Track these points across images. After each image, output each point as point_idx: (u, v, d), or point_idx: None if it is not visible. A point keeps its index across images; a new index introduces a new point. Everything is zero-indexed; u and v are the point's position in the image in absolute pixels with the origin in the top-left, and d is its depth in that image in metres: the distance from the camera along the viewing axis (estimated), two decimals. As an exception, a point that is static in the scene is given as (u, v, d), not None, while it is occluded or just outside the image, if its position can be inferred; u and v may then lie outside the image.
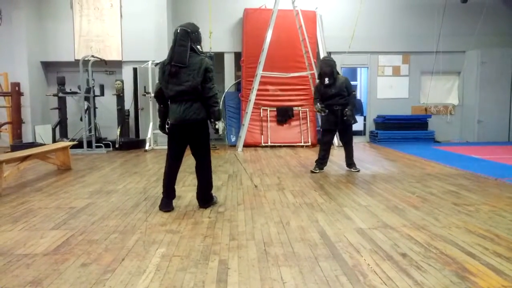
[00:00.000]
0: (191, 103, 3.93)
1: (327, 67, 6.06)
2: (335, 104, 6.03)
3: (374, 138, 11.19)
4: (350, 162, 6.39)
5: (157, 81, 4.25)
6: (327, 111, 6.07)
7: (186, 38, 3.90)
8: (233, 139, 10.38)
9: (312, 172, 6.23)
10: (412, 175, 6.03)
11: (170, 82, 3.93)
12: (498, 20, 11.18)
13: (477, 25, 10.62)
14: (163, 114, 4.18)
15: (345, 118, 5.98)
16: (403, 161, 7.47)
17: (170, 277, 2.50)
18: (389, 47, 11.30)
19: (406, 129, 11.04)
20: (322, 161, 6.30)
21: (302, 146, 9.94)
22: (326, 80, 6.02)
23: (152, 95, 9.80)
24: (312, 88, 10.27)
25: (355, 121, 6.21)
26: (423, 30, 11.10)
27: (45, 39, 10.37)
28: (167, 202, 4.14)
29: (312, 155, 8.44)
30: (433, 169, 6.56)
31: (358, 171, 6.31)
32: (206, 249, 2.97)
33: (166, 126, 4.18)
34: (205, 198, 4.25)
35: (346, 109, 5.99)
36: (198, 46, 4.00)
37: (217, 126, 4.05)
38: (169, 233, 3.36)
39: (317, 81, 6.45)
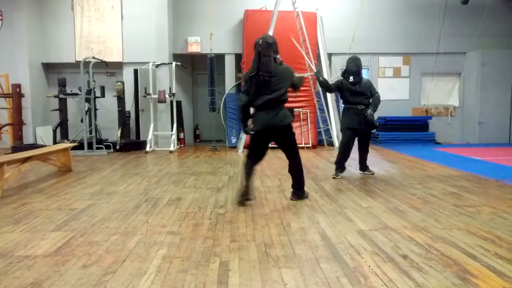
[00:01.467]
0: (277, 111, 4.24)
1: (353, 67, 5.80)
2: (359, 103, 5.79)
3: (375, 140, 11.19)
4: (364, 165, 6.25)
5: (242, 93, 4.43)
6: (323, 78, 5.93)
7: (269, 49, 4.17)
8: (233, 141, 10.39)
9: (333, 178, 5.88)
10: (412, 176, 6.03)
11: (258, 93, 4.22)
12: (498, 21, 11.19)
13: (478, 26, 10.63)
14: (246, 121, 4.44)
15: (366, 117, 5.77)
16: (404, 163, 7.47)
17: (171, 279, 2.50)
18: (389, 49, 11.32)
19: (406, 130, 11.04)
20: (341, 164, 5.97)
21: (302, 148, 9.93)
22: (351, 78, 5.77)
23: (154, 96, 9.84)
24: (312, 89, 10.30)
25: (378, 125, 6.07)
26: (424, 32, 11.12)
27: (46, 40, 10.39)
28: (245, 192, 4.37)
29: (313, 157, 8.45)
30: (434, 170, 6.56)
31: (373, 173, 6.17)
32: (207, 251, 2.97)
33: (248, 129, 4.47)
34: (298, 190, 4.53)
35: (369, 109, 5.79)
36: (278, 56, 4.27)
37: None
38: (170, 234, 3.36)
39: (339, 79, 6.07)
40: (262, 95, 4.21)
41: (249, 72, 4.29)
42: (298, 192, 4.55)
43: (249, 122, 4.42)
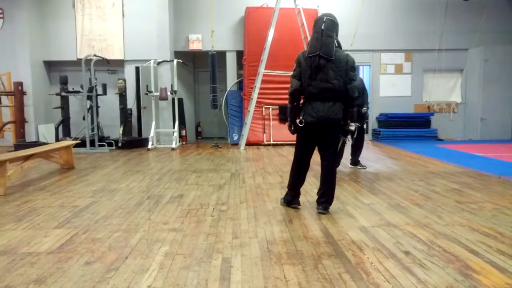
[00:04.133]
0: (334, 102, 3.72)
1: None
2: None
3: (377, 136, 11.17)
4: (355, 161, 6.40)
5: (293, 78, 3.84)
6: None
7: (333, 29, 3.70)
8: (235, 138, 10.39)
9: None
10: (415, 173, 6.02)
11: (314, 79, 3.69)
12: (500, 17, 11.15)
13: (480, 22, 10.59)
14: (296, 113, 3.88)
15: (365, 118, 6.10)
16: (406, 159, 7.46)
17: (173, 275, 2.51)
18: (391, 45, 11.28)
19: (409, 127, 11.03)
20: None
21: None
22: None
23: (156, 93, 9.83)
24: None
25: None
26: (426, 28, 11.08)
27: (47, 38, 10.39)
28: (296, 199, 4.10)
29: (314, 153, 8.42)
30: (436, 167, 6.55)
31: (365, 168, 6.31)
32: (209, 247, 2.98)
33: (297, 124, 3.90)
34: (330, 200, 3.93)
35: (364, 108, 5.99)
36: (339, 40, 3.80)
37: (352, 127, 3.89)
38: (172, 231, 3.37)
39: None
40: (318, 82, 3.68)
41: (306, 51, 3.74)
42: (329, 205, 3.93)
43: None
